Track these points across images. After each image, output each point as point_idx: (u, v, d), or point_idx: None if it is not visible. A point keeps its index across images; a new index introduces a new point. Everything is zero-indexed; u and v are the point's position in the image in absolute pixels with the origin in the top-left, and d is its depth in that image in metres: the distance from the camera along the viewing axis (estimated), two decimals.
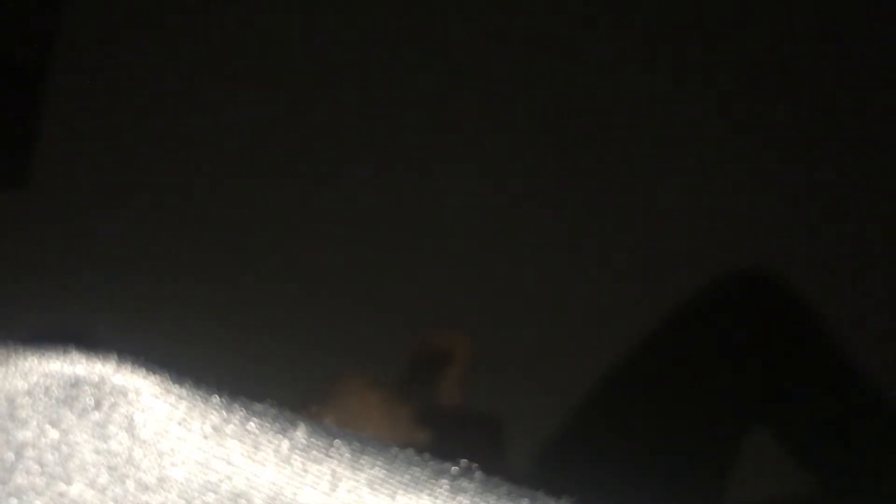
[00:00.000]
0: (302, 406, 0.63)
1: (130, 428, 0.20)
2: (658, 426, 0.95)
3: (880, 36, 1.19)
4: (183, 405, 0.21)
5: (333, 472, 0.20)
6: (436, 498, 0.20)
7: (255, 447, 0.20)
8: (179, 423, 0.20)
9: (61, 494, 0.20)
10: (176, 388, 0.21)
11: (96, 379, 0.21)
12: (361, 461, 0.20)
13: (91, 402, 0.21)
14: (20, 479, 0.20)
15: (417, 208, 1.19)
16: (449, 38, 1.24)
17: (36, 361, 0.21)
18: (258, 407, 0.21)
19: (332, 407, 0.62)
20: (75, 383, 0.21)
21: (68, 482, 0.20)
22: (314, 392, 0.66)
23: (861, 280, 1.13)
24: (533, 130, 1.21)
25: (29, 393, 0.21)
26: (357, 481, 0.20)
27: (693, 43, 1.22)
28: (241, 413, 0.21)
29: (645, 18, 1.23)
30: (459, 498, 0.20)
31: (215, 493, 0.20)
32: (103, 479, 0.20)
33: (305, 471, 0.20)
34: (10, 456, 0.21)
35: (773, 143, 1.19)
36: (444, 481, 0.20)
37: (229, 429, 0.20)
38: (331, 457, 0.20)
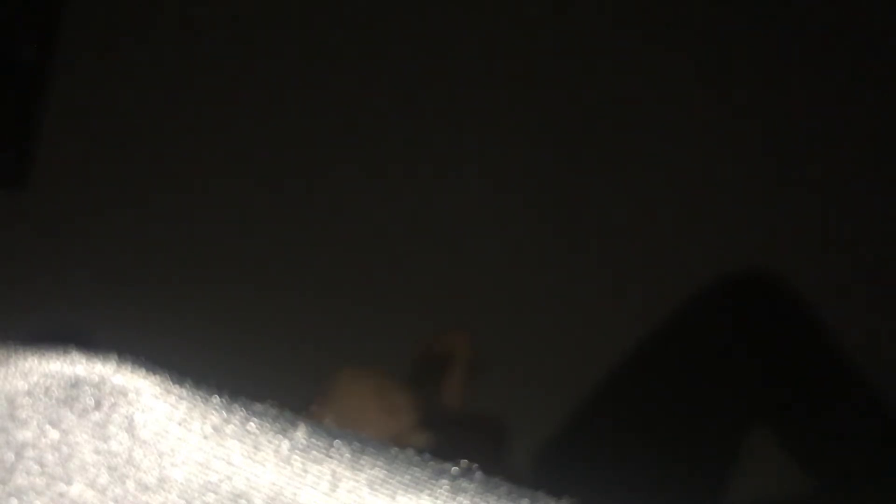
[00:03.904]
0: (302, 406, 0.63)
1: (130, 428, 0.20)
2: (658, 427, 0.95)
3: (881, 35, 1.19)
4: (183, 405, 0.21)
5: (333, 473, 0.20)
6: (436, 498, 0.20)
7: (256, 447, 0.20)
8: (179, 424, 0.20)
9: (61, 495, 0.20)
10: (176, 389, 0.21)
11: (96, 379, 0.21)
12: (361, 461, 0.20)
13: (91, 402, 0.21)
14: (20, 480, 0.20)
15: (419, 209, 1.19)
16: (453, 39, 1.24)
17: (36, 361, 0.21)
18: (258, 407, 0.21)
19: (333, 402, 0.62)
20: (75, 383, 0.21)
21: (68, 482, 0.20)
22: (314, 392, 0.66)
23: (861, 280, 1.13)
24: (534, 132, 1.21)
25: (29, 393, 0.21)
26: (357, 482, 0.20)
27: (694, 43, 1.22)
28: (241, 413, 0.21)
29: (646, 19, 1.23)
30: (459, 498, 0.20)
31: (215, 493, 0.20)
32: (103, 479, 0.20)
33: (305, 471, 0.20)
34: (11, 456, 0.21)
35: (774, 143, 1.19)
36: (444, 482, 0.20)
37: (229, 429, 0.20)
38: (331, 457, 0.20)
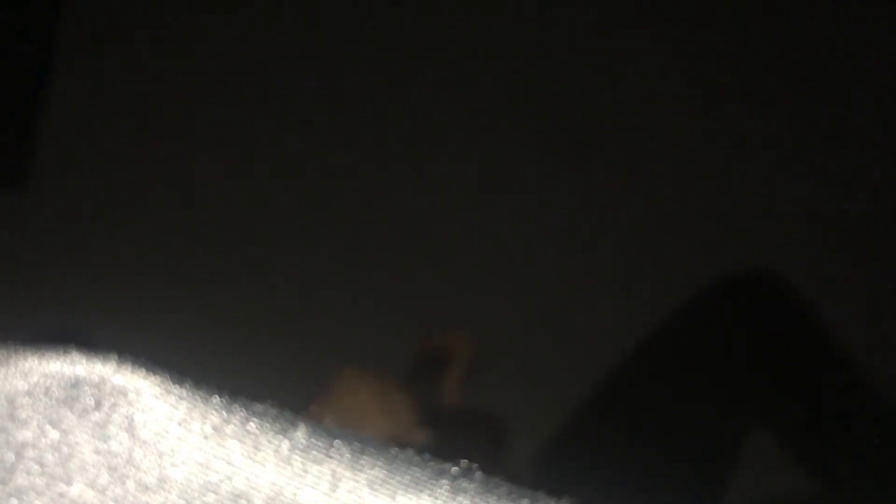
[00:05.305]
0: (302, 406, 0.63)
1: (130, 428, 0.20)
2: (658, 426, 0.95)
3: (881, 35, 1.19)
4: (183, 405, 0.21)
5: (333, 473, 0.20)
6: (436, 498, 0.20)
7: (256, 447, 0.20)
8: (179, 424, 0.20)
9: (61, 495, 0.20)
10: (176, 389, 0.21)
11: (96, 379, 0.21)
12: (361, 462, 0.20)
13: (91, 402, 0.21)
14: (20, 480, 0.20)
15: (418, 208, 1.19)
16: (454, 40, 1.24)
17: (36, 361, 0.21)
18: (258, 407, 0.21)
19: (333, 402, 0.62)
20: (75, 383, 0.21)
21: (68, 482, 0.20)
22: (314, 392, 0.66)
23: (861, 280, 1.13)
24: (534, 132, 1.21)
25: (29, 393, 0.21)
26: (357, 482, 0.20)
27: (693, 43, 1.22)
28: (242, 413, 0.21)
29: (645, 19, 1.23)
30: (459, 498, 0.20)
31: (215, 493, 0.20)
32: (103, 479, 0.20)
33: (305, 471, 0.20)
34: (11, 456, 0.21)
35: (773, 142, 1.19)
36: (444, 482, 0.20)
37: (229, 429, 0.20)
38: (331, 457, 0.20)
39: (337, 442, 0.20)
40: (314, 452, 0.20)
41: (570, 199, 1.19)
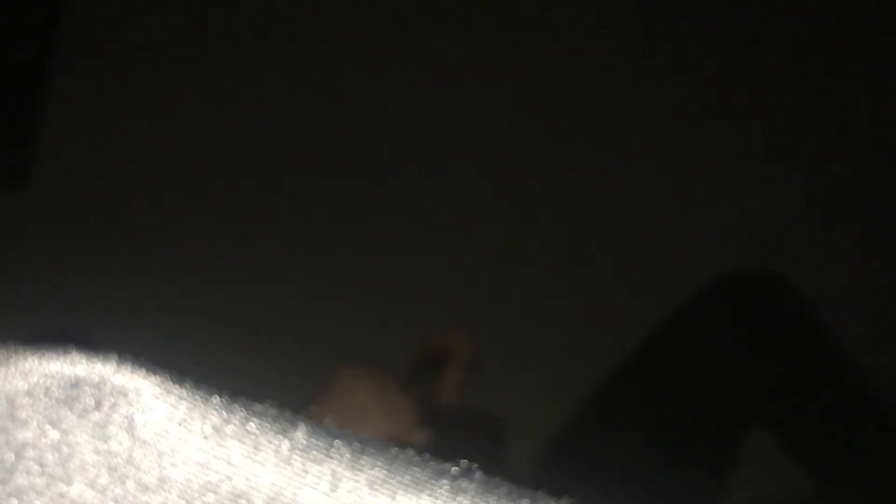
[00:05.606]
0: (302, 406, 0.63)
1: (130, 428, 0.20)
2: (658, 427, 0.95)
3: (881, 36, 1.19)
4: (183, 406, 0.21)
5: (333, 473, 0.20)
6: (436, 498, 0.20)
7: (256, 447, 0.20)
8: (179, 424, 0.20)
9: (61, 495, 0.20)
10: (176, 389, 0.21)
11: (96, 379, 0.21)
12: (361, 462, 0.20)
13: (91, 402, 0.21)
14: (20, 480, 0.20)
15: (419, 209, 1.19)
16: (454, 39, 1.24)
17: (36, 361, 0.21)
18: (258, 407, 0.21)
19: (333, 402, 0.62)
20: (75, 384, 0.21)
21: (68, 482, 0.20)
22: (314, 392, 0.66)
23: (861, 280, 1.13)
24: (534, 132, 1.21)
25: (29, 393, 0.21)
26: (357, 482, 0.20)
27: (694, 44, 1.22)
28: (242, 413, 0.21)
29: (646, 19, 1.23)
30: (459, 498, 0.20)
31: (215, 493, 0.20)
32: (103, 479, 0.20)
33: (305, 471, 0.20)
34: (11, 456, 0.21)
35: (774, 143, 1.19)
36: (445, 482, 0.20)
37: (229, 429, 0.20)
38: (331, 457, 0.20)
39: (337, 442, 0.20)
40: (314, 452, 0.20)
41: (571, 199, 1.19)
